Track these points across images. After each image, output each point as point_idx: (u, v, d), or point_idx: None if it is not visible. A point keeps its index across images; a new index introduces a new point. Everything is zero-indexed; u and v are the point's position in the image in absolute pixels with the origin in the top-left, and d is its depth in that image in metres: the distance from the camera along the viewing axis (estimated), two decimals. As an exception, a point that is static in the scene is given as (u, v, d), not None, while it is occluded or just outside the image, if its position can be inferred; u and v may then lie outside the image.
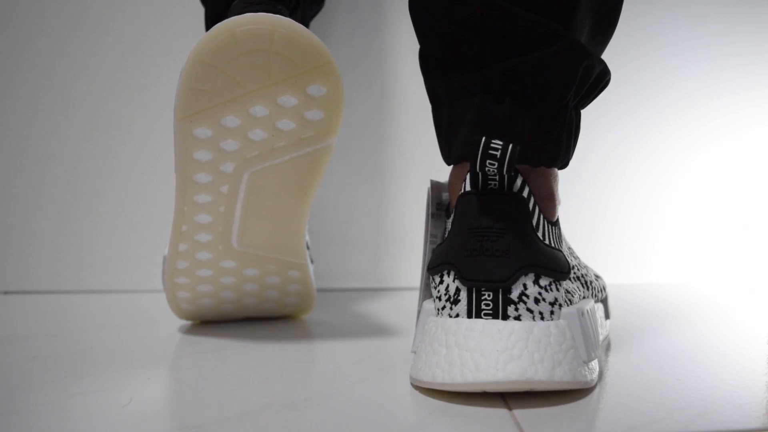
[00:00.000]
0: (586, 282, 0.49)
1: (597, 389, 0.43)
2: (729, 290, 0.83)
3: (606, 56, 0.46)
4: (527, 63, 0.41)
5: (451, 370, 0.39)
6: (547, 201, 0.45)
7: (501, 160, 0.39)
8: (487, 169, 0.39)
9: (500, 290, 0.40)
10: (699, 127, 0.91)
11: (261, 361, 0.51)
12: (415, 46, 0.48)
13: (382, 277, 0.86)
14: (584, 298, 0.47)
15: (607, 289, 0.58)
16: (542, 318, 0.40)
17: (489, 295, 0.40)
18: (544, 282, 0.40)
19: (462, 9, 0.42)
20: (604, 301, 0.56)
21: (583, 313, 0.41)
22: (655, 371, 0.47)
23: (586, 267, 0.52)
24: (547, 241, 0.42)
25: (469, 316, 0.40)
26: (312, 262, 0.62)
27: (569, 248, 0.50)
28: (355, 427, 0.37)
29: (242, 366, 0.49)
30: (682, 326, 0.62)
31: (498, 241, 0.40)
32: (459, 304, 0.41)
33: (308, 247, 0.62)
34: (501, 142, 0.39)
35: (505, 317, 0.40)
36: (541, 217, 0.43)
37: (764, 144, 0.92)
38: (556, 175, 0.46)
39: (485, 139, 0.39)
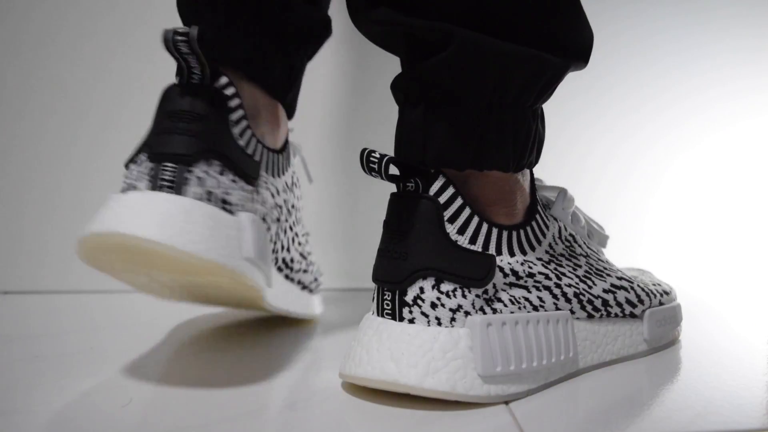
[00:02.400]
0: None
1: (596, 389, 0.43)
2: (723, 291, 0.83)
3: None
4: (427, 68, 0.41)
5: (347, 363, 0.42)
6: (499, 206, 0.43)
7: (379, 171, 0.40)
8: (373, 175, 0.40)
9: (397, 291, 0.40)
10: (682, 125, 0.90)
11: (261, 361, 0.51)
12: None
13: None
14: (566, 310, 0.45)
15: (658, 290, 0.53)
16: (439, 323, 0.39)
17: (389, 296, 0.41)
18: (446, 287, 0.40)
19: (372, 29, 0.44)
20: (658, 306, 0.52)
21: (490, 323, 0.40)
22: (654, 372, 0.47)
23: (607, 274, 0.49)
24: (489, 247, 0.41)
25: (379, 314, 0.41)
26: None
27: (585, 254, 0.48)
28: (354, 427, 0.37)
29: (242, 366, 0.49)
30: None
31: (400, 242, 0.40)
32: (374, 302, 0.42)
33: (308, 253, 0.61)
34: (378, 155, 0.40)
35: (401, 319, 0.40)
36: (475, 221, 0.41)
37: (752, 141, 0.91)
38: (515, 180, 0.44)
39: (367, 151, 0.40)
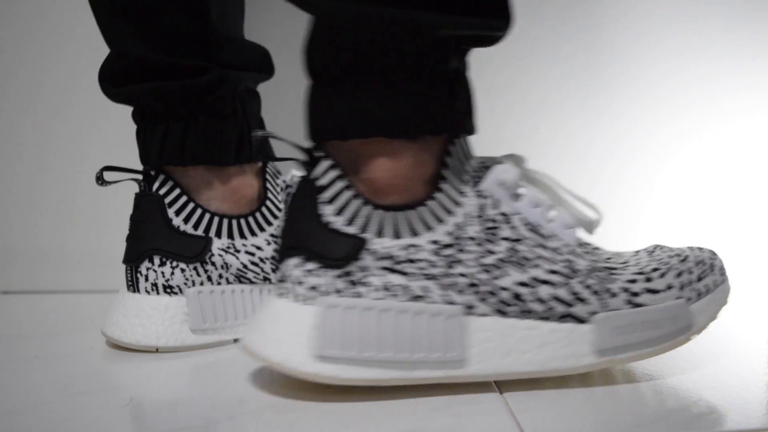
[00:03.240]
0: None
1: (597, 389, 0.43)
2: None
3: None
4: (305, 44, 0.42)
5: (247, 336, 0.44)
6: (390, 184, 0.42)
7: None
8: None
9: (278, 267, 0.43)
10: (681, 123, 0.90)
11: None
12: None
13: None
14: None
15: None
16: (301, 300, 0.41)
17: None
18: (309, 266, 0.40)
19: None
20: None
21: (336, 305, 0.39)
22: (655, 371, 0.47)
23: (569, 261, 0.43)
24: (368, 228, 0.40)
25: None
26: None
27: (519, 238, 0.42)
28: (355, 427, 0.37)
29: (243, 366, 0.49)
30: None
31: (283, 222, 0.43)
32: None
33: None
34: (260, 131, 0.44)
35: (278, 292, 0.42)
36: (355, 202, 0.40)
37: (752, 138, 0.91)
38: (410, 154, 0.42)
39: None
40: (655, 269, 0.45)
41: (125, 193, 0.82)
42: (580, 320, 0.42)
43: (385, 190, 0.42)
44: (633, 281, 0.44)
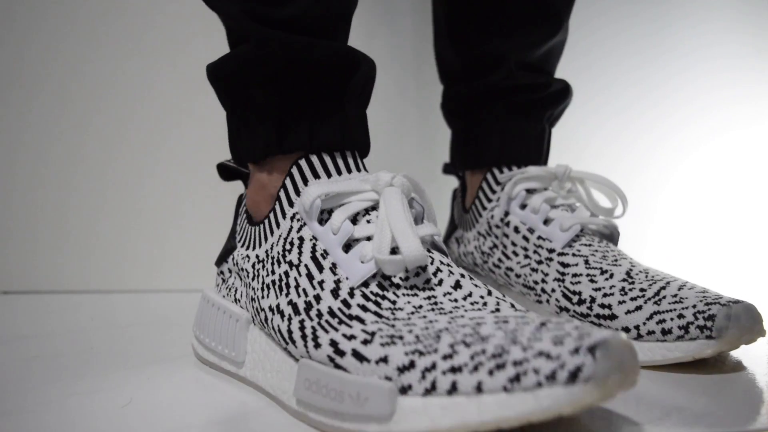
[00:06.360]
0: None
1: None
2: (722, 291, 0.83)
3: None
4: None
5: None
6: (254, 202, 0.47)
7: None
8: None
9: None
10: (686, 127, 0.90)
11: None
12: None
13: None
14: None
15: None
16: None
17: None
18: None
19: None
20: None
21: (204, 297, 0.49)
22: (654, 371, 0.47)
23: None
24: (243, 242, 0.47)
25: None
26: None
27: (296, 264, 0.40)
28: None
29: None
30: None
31: None
32: None
33: None
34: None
35: None
36: (244, 215, 0.48)
37: (743, 146, 0.91)
38: (257, 177, 0.47)
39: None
40: (416, 337, 0.33)
41: (125, 192, 0.82)
42: (294, 357, 0.39)
43: (249, 206, 0.48)
44: (352, 337, 0.35)
